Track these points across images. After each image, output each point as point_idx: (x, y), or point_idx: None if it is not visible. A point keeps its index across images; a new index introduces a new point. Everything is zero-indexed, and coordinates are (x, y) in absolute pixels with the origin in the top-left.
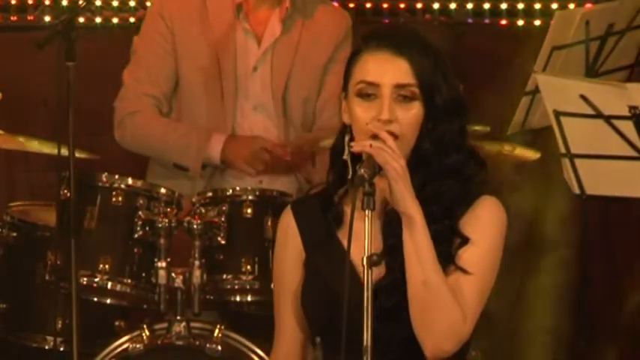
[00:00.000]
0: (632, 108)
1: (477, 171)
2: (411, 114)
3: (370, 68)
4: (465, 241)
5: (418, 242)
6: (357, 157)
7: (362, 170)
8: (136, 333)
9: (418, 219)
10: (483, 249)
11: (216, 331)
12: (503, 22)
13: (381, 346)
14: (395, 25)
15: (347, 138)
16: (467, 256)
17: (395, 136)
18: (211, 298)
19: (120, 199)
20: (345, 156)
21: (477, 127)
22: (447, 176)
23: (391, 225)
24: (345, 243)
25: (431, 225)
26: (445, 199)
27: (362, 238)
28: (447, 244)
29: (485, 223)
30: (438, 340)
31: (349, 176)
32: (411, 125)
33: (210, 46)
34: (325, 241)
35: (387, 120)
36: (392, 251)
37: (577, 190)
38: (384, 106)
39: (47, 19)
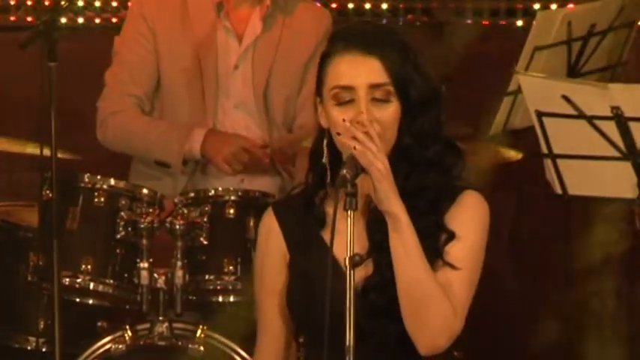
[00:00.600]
0: (614, 108)
1: (455, 160)
2: (389, 112)
3: (342, 71)
4: (452, 236)
5: (405, 241)
6: (336, 161)
7: (344, 171)
8: (118, 333)
9: (403, 218)
10: (469, 244)
11: (199, 331)
12: (486, 22)
13: (374, 342)
14: (361, 22)
15: (325, 142)
16: (454, 251)
17: None
18: (194, 298)
19: (102, 199)
20: (324, 159)
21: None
22: (428, 169)
23: (377, 222)
24: (329, 243)
25: (416, 220)
26: (429, 192)
27: (344, 238)
28: (433, 238)
29: (470, 218)
30: (431, 337)
31: (328, 180)
32: (390, 123)
33: (191, 46)
34: (309, 241)
35: (363, 123)
36: (379, 248)
37: (559, 191)
38: (362, 109)
39: (29, 19)
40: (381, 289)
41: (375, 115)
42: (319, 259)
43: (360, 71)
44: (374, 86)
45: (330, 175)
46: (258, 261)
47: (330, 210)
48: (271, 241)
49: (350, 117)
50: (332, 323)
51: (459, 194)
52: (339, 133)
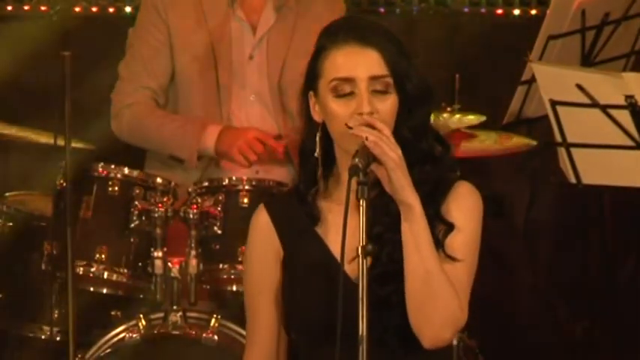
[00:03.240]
0: (628, 97)
1: (444, 153)
2: (389, 104)
3: (341, 63)
4: (451, 228)
5: (417, 232)
6: (328, 155)
7: (356, 160)
8: (132, 323)
9: (417, 207)
10: (468, 235)
11: (213, 320)
12: (500, 11)
13: (375, 336)
14: (352, 17)
15: (318, 136)
16: (455, 243)
17: None
18: (207, 287)
19: (116, 188)
20: (317, 154)
21: (472, 117)
22: (423, 162)
23: (375, 215)
24: (324, 238)
25: None
26: (425, 185)
27: (339, 232)
28: (432, 231)
29: (467, 209)
30: (438, 330)
31: (319, 174)
32: (390, 115)
33: (204, 36)
34: (304, 237)
35: (368, 113)
36: (378, 240)
37: (573, 180)
38: (364, 100)
39: (43, 8)
40: (383, 281)
41: (376, 107)
42: (315, 255)
43: (360, 63)
44: (374, 78)
45: (322, 170)
46: (250, 259)
47: (323, 205)
48: (265, 239)
49: (351, 109)
50: (329, 319)
51: (451, 186)
52: (350, 127)
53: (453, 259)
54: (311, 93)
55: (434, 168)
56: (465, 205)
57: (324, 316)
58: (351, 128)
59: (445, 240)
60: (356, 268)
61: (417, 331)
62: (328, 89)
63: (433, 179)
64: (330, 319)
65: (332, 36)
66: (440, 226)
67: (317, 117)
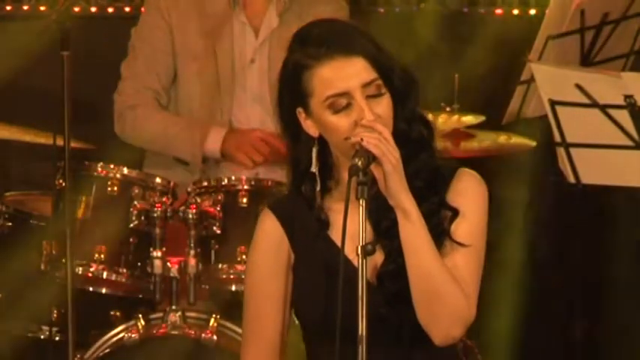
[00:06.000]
0: (627, 97)
1: (431, 133)
2: (385, 105)
3: (331, 79)
4: (456, 214)
5: (415, 235)
6: (326, 169)
7: (356, 159)
8: (131, 322)
9: (414, 212)
10: (474, 223)
11: (212, 320)
12: (499, 11)
13: (391, 330)
14: (323, 24)
15: (315, 150)
16: (460, 232)
17: None
18: (207, 287)
19: (115, 188)
20: (314, 169)
21: (471, 116)
22: (418, 151)
23: (380, 210)
24: (336, 240)
25: (420, 203)
26: (425, 174)
27: (352, 230)
28: (437, 219)
29: (471, 197)
30: (446, 328)
31: (318, 188)
32: (390, 116)
33: (206, 38)
34: (316, 241)
35: (372, 121)
36: (387, 234)
37: (572, 179)
38: (364, 109)
39: (42, 8)
40: (396, 276)
41: (376, 112)
42: (327, 257)
43: (349, 74)
44: (366, 84)
45: (321, 184)
46: (259, 264)
47: (329, 204)
48: (275, 244)
49: (352, 119)
50: (346, 320)
51: (454, 173)
52: (347, 138)
53: (458, 244)
54: (299, 110)
55: (428, 155)
56: (469, 194)
57: (341, 317)
58: (348, 138)
59: (450, 229)
60: (368, 265)
61: (426, 330)
62: (324, 107)
63: (432, 167)
64: (347, 320)
65: (311, 51)
66: (445, 215)
67: (312, 132)
